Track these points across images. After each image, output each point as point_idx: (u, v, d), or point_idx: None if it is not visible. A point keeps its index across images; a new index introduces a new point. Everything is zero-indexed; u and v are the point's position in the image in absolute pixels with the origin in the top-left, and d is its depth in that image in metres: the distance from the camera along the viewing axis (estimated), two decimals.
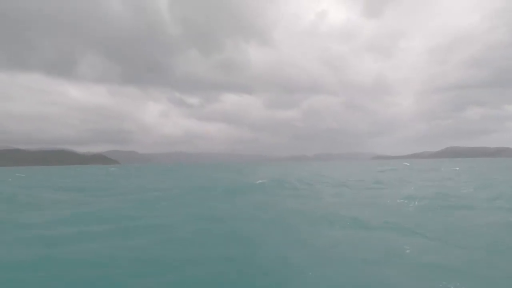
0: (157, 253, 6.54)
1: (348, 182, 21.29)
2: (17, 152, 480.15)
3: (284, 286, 5.09)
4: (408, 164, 53.10)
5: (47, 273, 5.57)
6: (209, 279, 5.36)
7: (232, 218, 10.01)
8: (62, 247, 6.96)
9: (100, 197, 16.19)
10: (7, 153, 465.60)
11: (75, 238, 7.62)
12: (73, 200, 15.30)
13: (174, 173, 42.71)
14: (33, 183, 27.40)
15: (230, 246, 7.11)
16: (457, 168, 33.49)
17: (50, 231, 8.45)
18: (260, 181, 20.23)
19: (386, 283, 5.13)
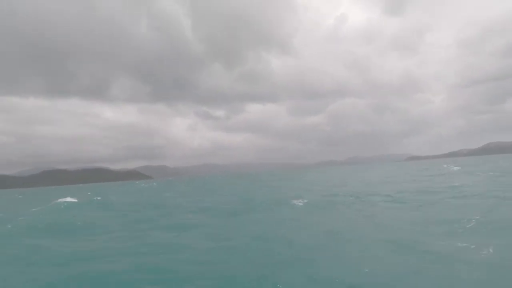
0: None
1: (397, 197, 18.52)
2: (60, 173, 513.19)
3: None
4: (458, 167, 46.92)
5: None
6: None
7: None
8: None
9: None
10: (52, 173, 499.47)
11: None
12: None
13: (221, 188, 42.22)
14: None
15: None
16: None
17: None
18: (300, 201, 18.21)
19: None
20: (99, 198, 30.04)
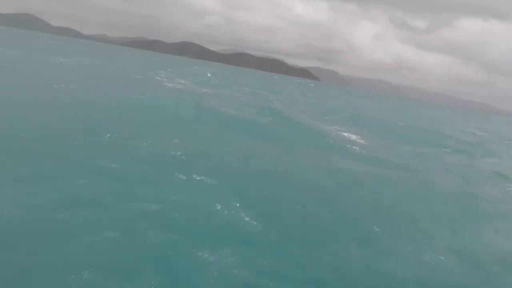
0: None
1: None
2: (246, 56, 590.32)
3: None
4: None
5: None
6: None
7: None
8: None
9: None
10: (241, 56, 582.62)
11: None
12: None
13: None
14: None
15: None
16: None
17: None
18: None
19: None
20: None
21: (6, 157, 6.16)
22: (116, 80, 19.66)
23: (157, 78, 25.24)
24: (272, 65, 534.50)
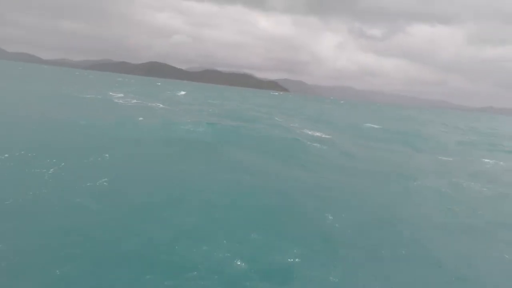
0: None
1: None
2: (215, 73, 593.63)
3: None
4: None
5: None
6: None
7: None
8: None
9: None
10: (210, 72, 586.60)
11: None
12: None
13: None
14: None
15: None
16: None
17: None
18: None
19: None
20: None
21: None
22: (61, 102, 17.86)
23: (113, 98, 23.41)
24: (241, 80, 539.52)
